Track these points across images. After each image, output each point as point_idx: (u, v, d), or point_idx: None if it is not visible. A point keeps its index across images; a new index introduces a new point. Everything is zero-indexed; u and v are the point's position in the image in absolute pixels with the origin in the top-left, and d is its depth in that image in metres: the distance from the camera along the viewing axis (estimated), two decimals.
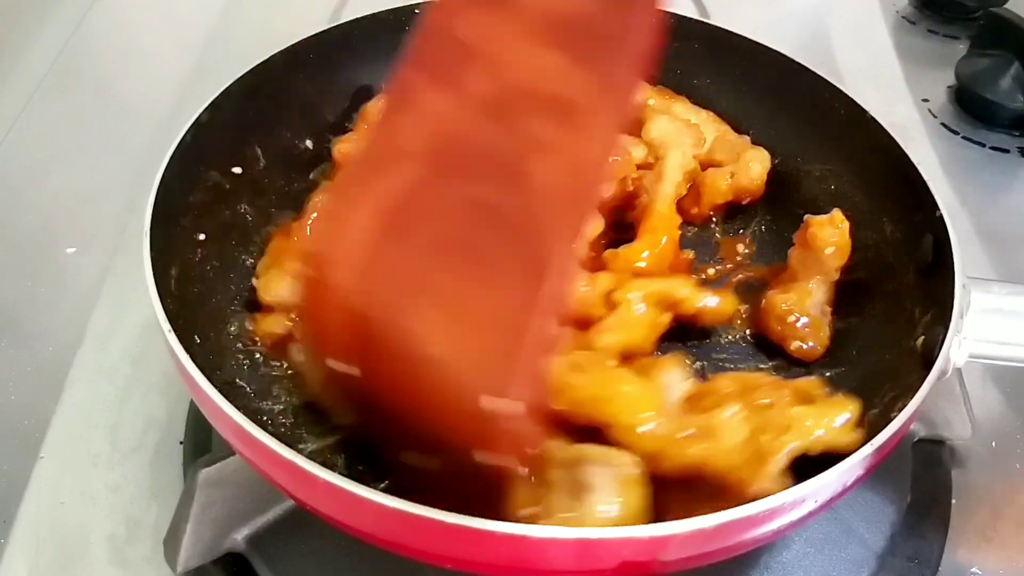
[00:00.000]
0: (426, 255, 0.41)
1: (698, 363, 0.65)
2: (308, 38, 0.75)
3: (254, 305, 0.66)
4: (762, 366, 0.66)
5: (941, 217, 0.61)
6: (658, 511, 0.50)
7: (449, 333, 0.39)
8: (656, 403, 0.53)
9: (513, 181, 0.42)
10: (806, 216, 0.67)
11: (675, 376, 0.57)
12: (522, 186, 0.42)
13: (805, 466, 0.56)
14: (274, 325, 0.63)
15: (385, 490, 0.44)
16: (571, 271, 0.41)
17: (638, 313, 0.61)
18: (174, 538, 0.56)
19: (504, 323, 0.39)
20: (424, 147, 0.43)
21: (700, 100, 0.78)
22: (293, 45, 0.74)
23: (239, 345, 0.63)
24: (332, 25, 0.76)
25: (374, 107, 0.71)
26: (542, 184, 0.41)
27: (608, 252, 0.67)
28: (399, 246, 0.41)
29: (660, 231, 0.68)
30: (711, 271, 0.73)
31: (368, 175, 0.43)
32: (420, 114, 0.44)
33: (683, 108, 0.77)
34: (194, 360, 0.51)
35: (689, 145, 0.74)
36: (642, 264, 0.66)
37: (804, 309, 0.66)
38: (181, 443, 0.67)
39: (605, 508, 0.49)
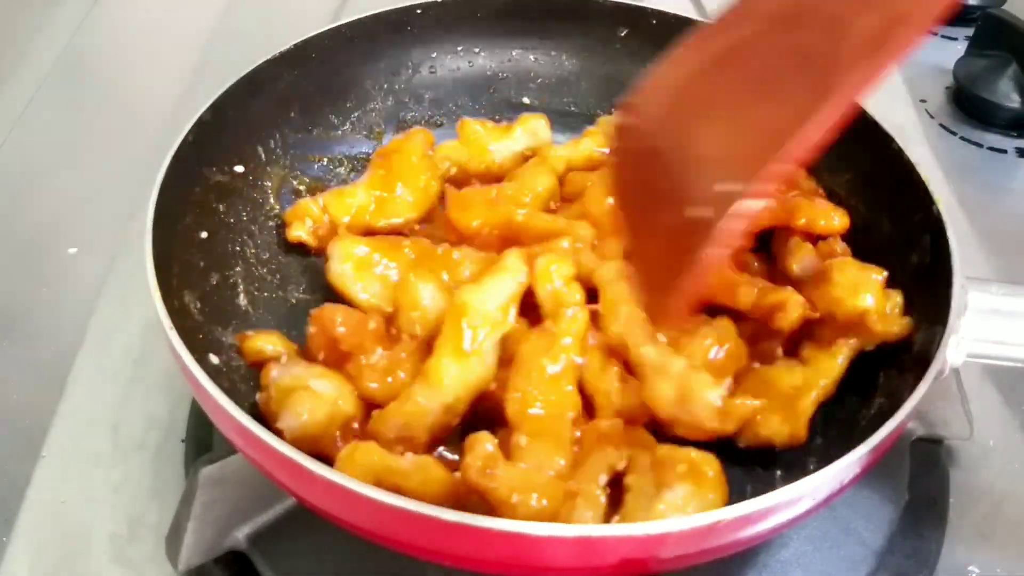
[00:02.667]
0: (731, 85, 0.50)
1: None
2: (309, 38, 0.75)
3: (257, 302, 0.67)
4: None
5: (939, 217, 0.61)
6: None
7: (722, 137, 0.48)
8: None
9: (833, 29, 0.49)
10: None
11: None
12: (838, 34, 0.48)
13: (801, 465, 0.57)
14: (263, 343, 0.62)
15: None
16: (845, 109, 0.47)
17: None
18: (176, 536, 0.56)
19: (771, 134, 0.47)
20: (771, 10, 0.51)
21: None
22: (294, 45, 0.74)
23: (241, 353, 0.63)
24: (332, 25, 0.76)
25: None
26: (856, 33, 0.48)
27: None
28: (710, 81, 0.50)
29: None
30: None
31: (709, 34, 0.53)
32: None
33: None
34: (196, 359, 0.51)
35: None
36: None
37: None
38: (183, 442, 0.67)
39: (682, 504, 0.51)
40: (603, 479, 0.54)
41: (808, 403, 0.57)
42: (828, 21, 0.50)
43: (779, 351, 0.62)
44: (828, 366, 0.59)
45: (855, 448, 0.48)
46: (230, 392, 0.50)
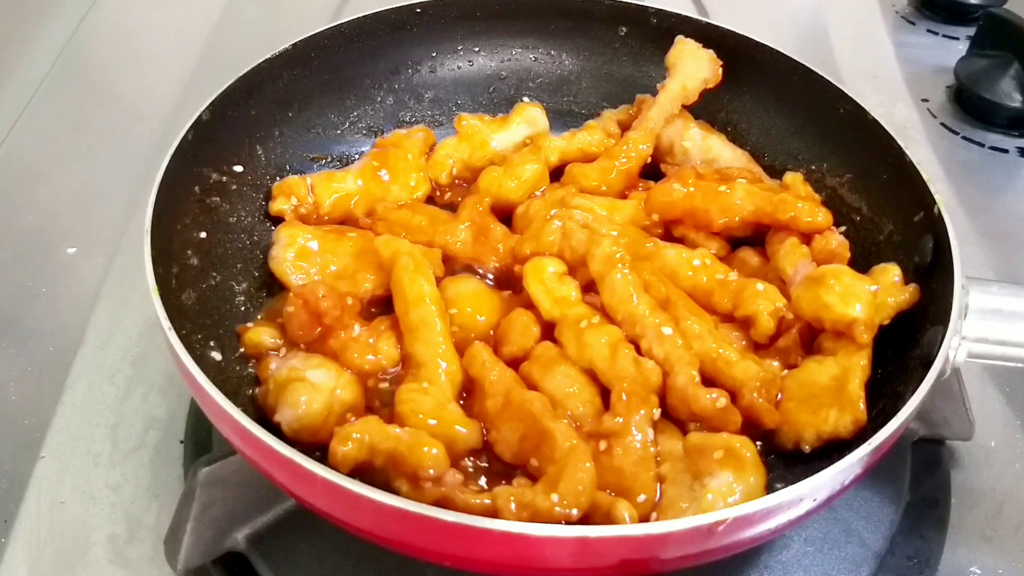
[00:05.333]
0: None
1: None
2: (308, 37, 0.75)
3: (256, 302, 0.67)
4: None
5: (940, 217, 0.61)
6: None
7: None
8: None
9: None
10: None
11: None
12: None
13: (804, 465, 0.57)
14: (263, 334, 0.63)
15: None
16: None
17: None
18: (175, 537, 0.56)
19: None
20: None
21: (701, 102, 0.78)
22: (294, 44, 0.74)
23: (241, 344, 0.64)
24: (332, 24, 0.76)
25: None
26: None
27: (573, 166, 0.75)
28: None
29: (618, 156, 0.74)
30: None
31: None
32: None
33: (720, 142, 0.77)
34: (195, 359, 0.51)
35: (695, 76, 0.76)
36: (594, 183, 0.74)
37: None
38: (182, 442, 0.67)
39: (727, 491, 0.51)
40: (651, 434, 0.55)
41: (856, 386, 0.57)
42: None
43: (800, 354, 0.62)
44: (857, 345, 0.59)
45: (856, 448, 0.48)
46: (229, 392, 0.50)
